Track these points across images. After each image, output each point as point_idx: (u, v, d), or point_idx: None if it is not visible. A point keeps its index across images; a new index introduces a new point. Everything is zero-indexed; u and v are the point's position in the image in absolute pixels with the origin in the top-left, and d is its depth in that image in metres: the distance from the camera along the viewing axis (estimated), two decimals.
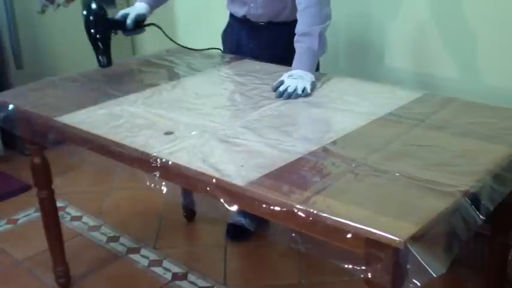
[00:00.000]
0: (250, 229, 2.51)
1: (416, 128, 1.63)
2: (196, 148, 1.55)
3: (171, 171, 1.52)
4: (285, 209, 1.28)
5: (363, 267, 1.19)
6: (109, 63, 2.21)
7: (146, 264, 2.50)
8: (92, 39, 2.16)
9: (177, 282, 2.36)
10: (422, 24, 2.56)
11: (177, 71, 2.28)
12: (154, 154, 1.53)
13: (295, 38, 2.09)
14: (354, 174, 1.37)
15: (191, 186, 1.56)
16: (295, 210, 1.25)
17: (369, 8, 2.71)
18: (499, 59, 2.36)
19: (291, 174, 1.39)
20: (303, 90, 1.93)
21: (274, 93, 1.95)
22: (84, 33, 2.14)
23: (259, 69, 2.21)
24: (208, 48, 2.44)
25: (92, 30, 2.14)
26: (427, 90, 1.96)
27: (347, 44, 2.84)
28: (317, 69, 2.36)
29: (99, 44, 2.17)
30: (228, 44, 2.48)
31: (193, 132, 1.65)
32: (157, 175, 1.53)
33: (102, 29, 2.16)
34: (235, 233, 2.65)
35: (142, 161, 1.57)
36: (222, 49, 2.49)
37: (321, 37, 2.06)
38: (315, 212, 1.22)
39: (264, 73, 2.16)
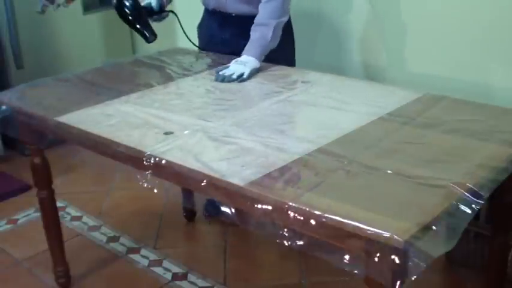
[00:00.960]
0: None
1: (407, 126, 1.64)
2: (189, 147, 1.55)
3: (163, 170, 1.52)
4: (280, 209, 1.28)
5: (362, 264, 1.19)
6: (154, 36, 2.26)
7: (146, 264, 2.50)
8: (129, 19, 2.22)
9: (177, 282, 2.36)
10: (420, 23, 2.56)
11: (169, 71, 2.28)
12: (148, 153, 1.53)
13: (252, 26, 2.22)
14: (352, 174, 1.37)
15: (184, 184, 1.56)
16: (294, 211, 1.25)
17: (369, 6, 2.71)
18: (494, 58, 2.37)
19: (288, 175, 1.39)
20: (240, 76, 2.07)
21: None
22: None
23: None
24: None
25: (127, 10, 2.20)
26: (420, 89, 1.97)
27: (346, 43, 2.84)
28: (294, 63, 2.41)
29: (138, 21, 2.23)
30: (202, 36, 2.55)
31: (186, 132, 1.66)
32: (150, 173, 1.54)
33: (135, 5, 2.22)
34: (214, 209, 2.69)
35: (135, 159, 1.57)
36: (197, 43, 2.54)
37: (276, 30, 2.20)
38: (316, 212, 1.22)
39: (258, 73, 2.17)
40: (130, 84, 2.12)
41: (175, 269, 2.45)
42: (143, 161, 1.53)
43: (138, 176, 1.56)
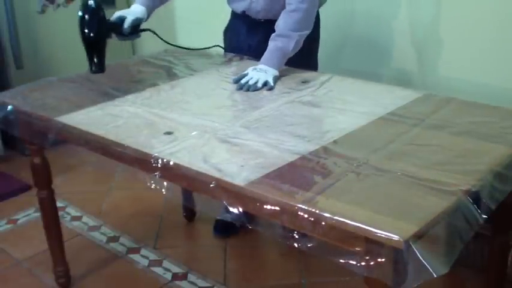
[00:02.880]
0: (237, 224, 2.48)
1: (417, 128, 1.63)
2: (197, 148, 1.55)
3: (171, 172, 1.51)
4: (285, 209, 1.28)
5: (363, 263, 1.19)
6: (101, 69, 2.04)
7: (146, 264, 2.50)
8: (86, 41, 1.99)
9: (177, 282, 2.36)
10: (422, 24, 2.56)
11: (176, 71, 2.27)
12: (155, 154, 1.53)
13: (272, 36, 2.14)
14: (356, 174, 1.37)
15: (192, 186, 1.56)
16: (296, 210, 1.25)
17: (370, 6, 2.71)
18: (500, 59, 2.36)
19: (291, 174, 1.39)
20: (265, 84, 2.00)
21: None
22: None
23: None
24: (208, 47, 2.42)
25: (87, 31, 1.97)
26: (426, 90, 1.96)
27: (348, 44, 2.84)
28: (316, 68, 2.37)
29: (94, 47, 2.01)
30: (228, 41, 2.50)
31: (194, 133, 1.65)
32: (158, 175, 1.53)
33: (99, 31, 1.99)
34: (223, 228, 2.66)
35: (142, 161, 1.57)
36: (223, 46, 2.49)
37: (297, 43, 2.13)
38: (317, 212, 1.22)
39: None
40: (137, 85, 2.12)
41: (175, 269, 2.45)
42: (151, 163, 1.52)
43: (144, 178, 1.55)
